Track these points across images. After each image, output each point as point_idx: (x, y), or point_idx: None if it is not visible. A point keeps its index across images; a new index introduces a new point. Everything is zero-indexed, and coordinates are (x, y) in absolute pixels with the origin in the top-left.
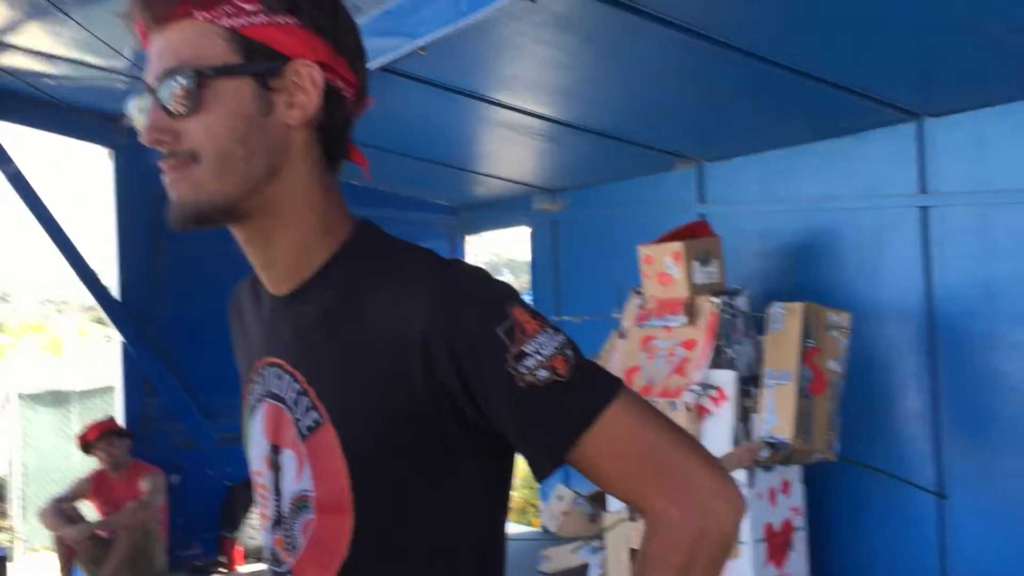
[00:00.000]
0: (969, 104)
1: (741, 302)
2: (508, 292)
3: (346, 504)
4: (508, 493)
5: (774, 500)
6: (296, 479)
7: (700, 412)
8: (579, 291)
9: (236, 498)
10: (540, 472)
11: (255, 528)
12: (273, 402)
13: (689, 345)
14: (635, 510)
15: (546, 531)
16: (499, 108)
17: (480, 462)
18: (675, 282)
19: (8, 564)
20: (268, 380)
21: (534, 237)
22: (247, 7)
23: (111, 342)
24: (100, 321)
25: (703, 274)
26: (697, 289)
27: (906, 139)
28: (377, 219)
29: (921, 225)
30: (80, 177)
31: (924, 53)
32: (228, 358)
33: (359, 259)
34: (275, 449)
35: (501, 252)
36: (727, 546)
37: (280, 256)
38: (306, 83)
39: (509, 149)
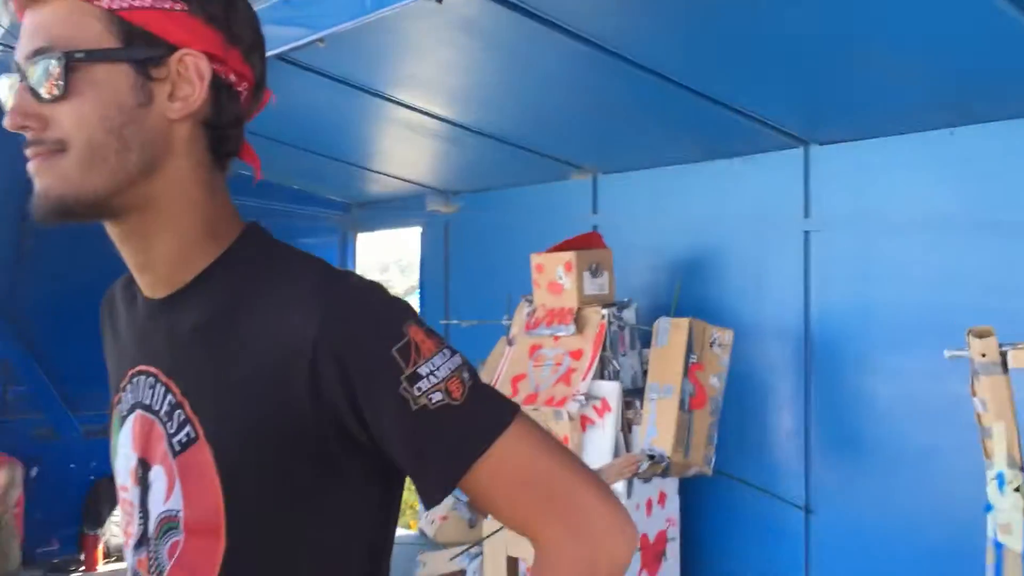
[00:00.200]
0: (853, 135)
1: (629, 315)
2: (404, 309)
3: (218, 527)
4: (396, 519)
5: (650, 511)
6: (165, 498)
7: (583, 422)
8: (469, 295)
9: (101, 494)
10: (429, 500)
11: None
12: (144, 414)
13: (576, 355)
14: (527, 538)
15: (423, 535)
16: (397, 106)
17: (367, 487)
18: (565, 292)
19: None
20: (140, 390)
21: (424, 238)
22: None
23: None
24: None
25: (593, 285)
26: (587, 300)
27: (793, 164)
28: (267, 211)
29: (804, 249)
30: None
31: (813, 83)
32: (99, 347)
33: (244, 265)
34: (143, 464)
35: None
36: None
37: (158, 258)
38: (191, 74)
39: (405, 148)
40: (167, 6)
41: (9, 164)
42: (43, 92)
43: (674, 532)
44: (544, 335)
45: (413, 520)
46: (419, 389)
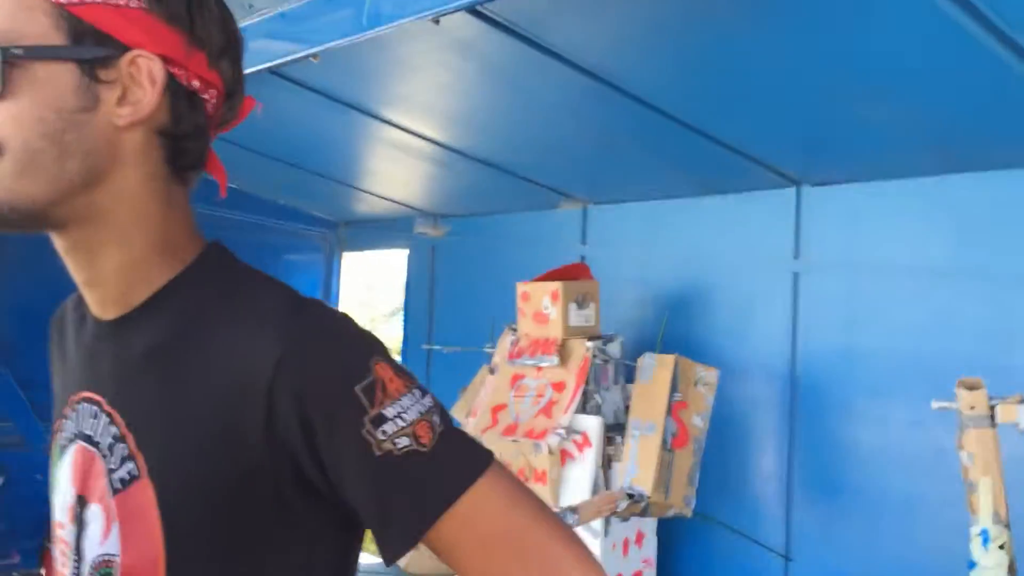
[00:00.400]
0: (847, 177)
1: (614, 349)
2: (372, 344)
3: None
4: (355, 571)
5: (627, 551)
6: (101, 540)
7: (563, 456)
8: (453, 321)
9: None
10: (389, 555)
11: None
12: (85, 445)
13: (559, 387)
14: None
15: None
16: (389, 126)
17: (324, 537)
18: (551, 322)
19: None
20: (82, 418)
21: (411, 260)
22: None
23: None
24: None
25: (579, 317)
26: (572, 331)
27: (786, 204)
28: (252, 226)
29: (792, 290)
30: None
31: (809, 123)
32: None
33: (201, 287)
34: (81, 501)
35: (377, 272)
36: None
37: (107, 275)
38: (143, 78)
39: (395, 169)
40: (121, 2)
41: None
42: None
43: (650, 573)
44: (527, 365)
45: None
46: (384, 433)
